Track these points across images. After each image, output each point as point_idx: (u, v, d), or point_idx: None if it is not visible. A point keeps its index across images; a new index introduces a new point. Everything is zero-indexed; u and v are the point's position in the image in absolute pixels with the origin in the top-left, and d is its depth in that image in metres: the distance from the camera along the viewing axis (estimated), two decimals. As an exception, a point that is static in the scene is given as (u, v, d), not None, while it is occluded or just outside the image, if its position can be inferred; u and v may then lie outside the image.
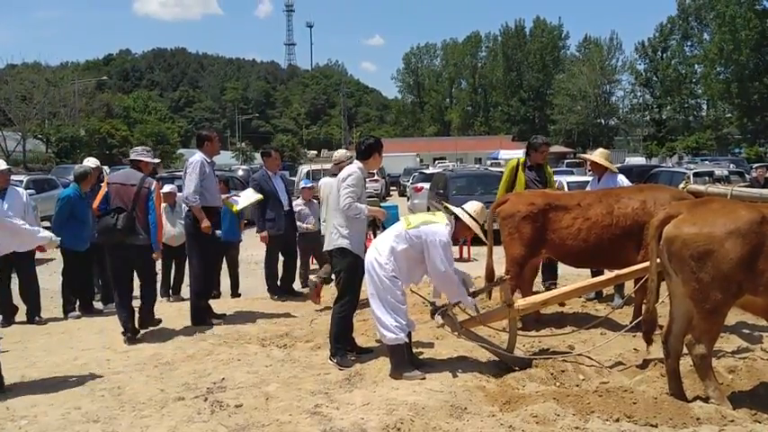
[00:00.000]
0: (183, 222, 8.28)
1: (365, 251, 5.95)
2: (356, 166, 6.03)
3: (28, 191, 10.25)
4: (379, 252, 5.42)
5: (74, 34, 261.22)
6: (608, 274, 6.52)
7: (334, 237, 5.93)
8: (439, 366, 5.55)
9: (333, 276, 6.68)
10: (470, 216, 5.47)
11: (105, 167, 30.93)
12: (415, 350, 5.83)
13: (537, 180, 8.05)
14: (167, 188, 9.64)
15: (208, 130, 7.98)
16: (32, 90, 52.42)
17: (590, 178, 8.64)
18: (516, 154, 57.14)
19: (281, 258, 9.25)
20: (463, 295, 5.45)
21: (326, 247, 6.10)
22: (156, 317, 7.41)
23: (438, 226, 5.36)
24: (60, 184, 19.11)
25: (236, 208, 8.38)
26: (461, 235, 5.67)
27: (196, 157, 7.54)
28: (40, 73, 56.59)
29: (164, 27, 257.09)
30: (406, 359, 5.42)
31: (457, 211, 5.52)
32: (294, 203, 9.61)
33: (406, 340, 5.44)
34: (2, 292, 8.03)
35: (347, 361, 5.77)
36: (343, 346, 5.89)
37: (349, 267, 5.88)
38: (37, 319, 7.99)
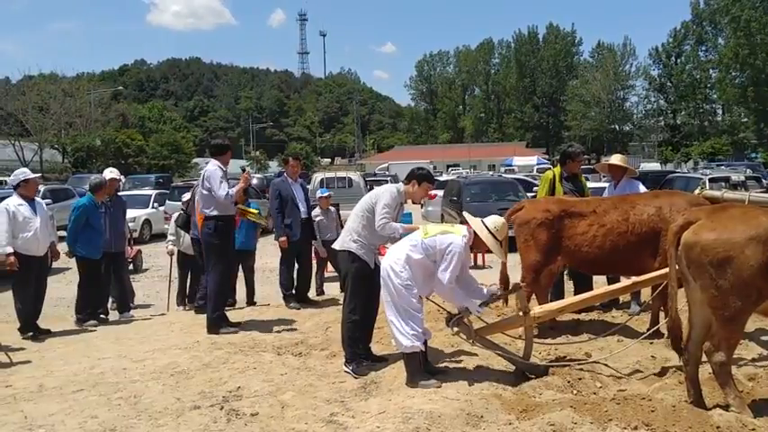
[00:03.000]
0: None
1: (374, 260, 5.93)
2: (395, 187, 6.03)
3: (45, 200, 10.36)
4: (395, 260, 5.40)
5: (89, 45, 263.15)
6: (625, 282, 6.47)
7: (347, 239, 5.91)
8: (455, 374, 5.52)
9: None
10: (489, 231, 5.42)
11: (121, 177, 31.31)
12: (429, 358, 5.81)
13: (574, 191, 7.86)
14: (186, 196, 9.74)
15: (221, 139, 8.01)
16: (49, 101, 53.09)
17: (606, 184, 8.56)
18: (530, 160, 57.04)
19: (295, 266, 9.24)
20: (467, 303, 5.43)
21: (336, 245, 6.08)
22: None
23: (454, 237, 5.33)
24: (77, 194, 19.27)
25: (254, 211, 8.40)
26: (480, 248, 5.63)
27: (210, 166, 7.57)
28: (56, 84, 57.20)
29: (178, 37, 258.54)
30: (421, 367, 5.40)
31: (475, 225, 5.45)
32: (312, 213, 9.67)
33: (422, 348, 5.42)
34: (26, 299, 7.99)
35: (362, 369, 5.75)
36: (357, 352, 5.87)
37: (356, 272, 5.85)
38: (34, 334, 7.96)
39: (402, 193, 6.01)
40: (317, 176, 29.85)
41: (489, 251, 5.70)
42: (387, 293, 5.43)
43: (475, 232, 5.42)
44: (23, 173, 8.19)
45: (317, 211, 9.86)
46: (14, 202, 7.85)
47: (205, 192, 7.50)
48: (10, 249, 7.59)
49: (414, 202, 6.23)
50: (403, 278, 5.32)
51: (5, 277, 8.26)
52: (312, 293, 9.63)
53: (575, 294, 7.17)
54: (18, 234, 7.70)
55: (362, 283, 5.86)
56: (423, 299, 5.61)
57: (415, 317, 5.33)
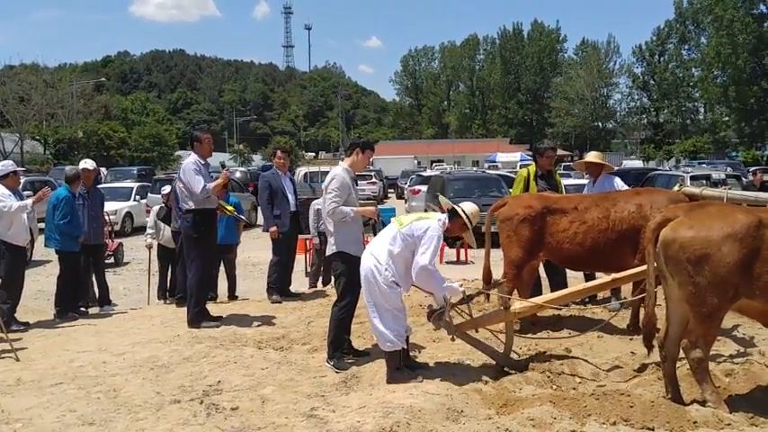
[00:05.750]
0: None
1: (361, 244, 5.90)
2: (340, 167, 5.99)
3: (26, 192, 10.26)
4: (377, 258, 5.34)
5: (72, 36, 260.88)
6: (605, 278, 6.51)
7: (332, 242, 5.90)
8: (435, 369, 5.54)
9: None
10: (465, 216, 5.44)
11: (103, 169, 31.04)
12: (411, 353, 5.81)
13: (547, 189, 7.89)
14: (166, 189, 9.69)
15: (200, 131, 7.90)
16: (30, 91, 52.45)
17: (587, 181, 8.65)
18: (514, 157, 57.04)
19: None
20: (441, 291, 5.37)
21: (327, 252, 6.06)
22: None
23: (430, 221, 5.33)
24: (58, 186, 19.09)
25: (231, 208, 8.37)
26: (454, 233, 5.61)
27: (189, 159, 7.52)
28: (38, 74, 56.52)
29: (161, 29, 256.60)
30: (401, 365, 5.41)
31: (456, 207, 5.48)
32: (314, 203, 9.71)
33: (404, 347, 5.42)
34: (15, 294, 7.90)
35: (344, 364, 5.75)
36: (340, 349, 5.86)
37: (347, 270, 5.81)
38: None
39: (349, 169, 5.97)
40: (301, 170, 29.83)
41: (460, 237, 5.69)
42: (370, 294, 5.37)
43: (451, 216, 5.42)
44: (11, 164, 8.20)
45: (319, 200, 9.86)
46: (6, 192, 7.82)
47: (182, 185, 7.46)
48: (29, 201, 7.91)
49: (357, 171, 6.18)
50: (387, 277, 5.27)
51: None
52: (304, 286, 9.64)
53: (551, 291, 7.21)
54: (12, 224, 7.68)
55: (354, 281, 5.77)
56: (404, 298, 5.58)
57: (398, 318, 5.33)
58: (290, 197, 9.01)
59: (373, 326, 5.40)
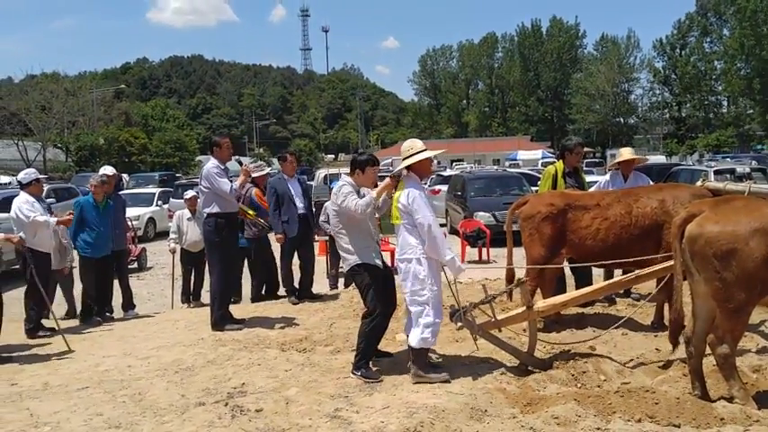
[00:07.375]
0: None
1: (378, 252, 5.84)
2: (344, 180, 5.92)
3: (49, 199, 10.39)
4: (410, 258, 5.36)
5: (91, 44, 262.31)
6: (628, 274, 6.44)
7: (347, 256, 5.74)
8: (459, 369, 5.52)
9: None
10: (409, 156, 5.49)
11: (125, 175, 31.41)
12: (437, 353, 5.80)
13: (576, 187, 7.77)
14: (189, 194, 9.76)
15: (219, 136, 7.92)
16: (52, 100, 53.24)
17: (601, 177, 8.46)
18: (535, 154, 56.42)
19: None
20: (448, 257, 5.34)
21: (346, 269, 5.93)
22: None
23: (405, 192, 5.38)
24: (80, 192, 19.34)
25: (252, 212, 8.40)
26: (426, 172, 5.78)
27: (210, 164, 7.53)
28: (58, 83, 57.32)
29: (179, 35, 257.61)
30: (428, 361, 5.41)
31: (402, 165, 5.54)
32: (327, 204, 9.72)
33: (434, 342, 5.42)
34: (40, 299, 7.98)
35: (373, 373, 5.56)
36: (368, 360, 5.67)
37: (368, 281, 5.66)
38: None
39: (352, 183, 5.88)
40: (321, 173, 29.89)
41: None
42: (411, 294, 5.39)
43: (408, 167, 5.49)
44: (34, 172, 8.30)
45: (329, 203, 9.87)
46: (30, 199, 7.89)
47: (205, 189, 7.50)
48: (53, 219, 7.89)
49: (365, 186, 6.12)
50: (424, 269, 5.31)
51: (15, 277, 8.30)
52: (325, 287, 9.69)
53: (576, 289, 7.15)
54: (36, 231, 7.76)
55: (379, 288, 5.67)
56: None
57: (428, 317, 5.31)
58: (298, 201, 8.93)
59: (413, 318, 5.40)
